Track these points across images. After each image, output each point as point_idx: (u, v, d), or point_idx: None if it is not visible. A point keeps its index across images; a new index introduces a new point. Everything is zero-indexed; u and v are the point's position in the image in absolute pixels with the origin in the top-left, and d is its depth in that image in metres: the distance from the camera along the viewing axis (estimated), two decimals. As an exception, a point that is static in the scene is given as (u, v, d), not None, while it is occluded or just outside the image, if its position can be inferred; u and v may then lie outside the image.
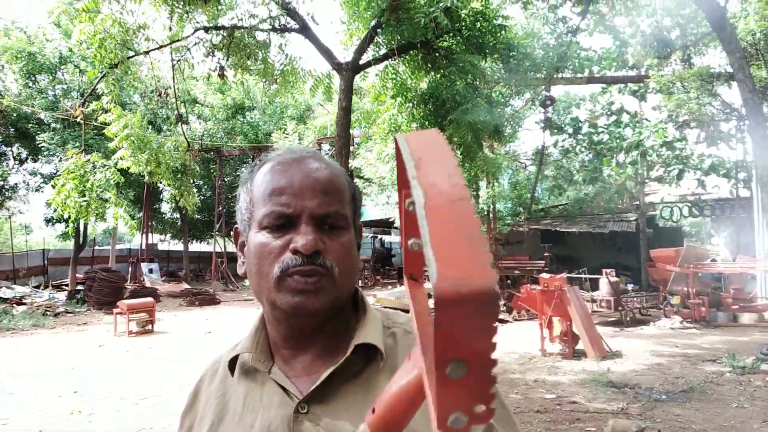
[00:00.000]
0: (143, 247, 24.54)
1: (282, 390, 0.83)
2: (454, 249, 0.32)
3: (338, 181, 0.87)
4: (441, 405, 0.35)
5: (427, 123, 8.01)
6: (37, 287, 20.20)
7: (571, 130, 19.29)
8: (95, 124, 11.66)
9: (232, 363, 0.90)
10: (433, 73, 7.78)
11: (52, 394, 7.31)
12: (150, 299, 13.53)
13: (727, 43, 7.77)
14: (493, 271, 0.32)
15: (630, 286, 16.31)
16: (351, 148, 14.10)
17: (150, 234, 25.89)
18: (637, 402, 6.50)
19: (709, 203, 18.79)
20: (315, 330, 0.86)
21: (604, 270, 13.26)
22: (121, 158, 8.23)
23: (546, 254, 17.39)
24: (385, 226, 27.50)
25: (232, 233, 0.99)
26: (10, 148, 19.63)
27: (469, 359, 0.33)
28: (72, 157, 7.64)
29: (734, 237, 18.35)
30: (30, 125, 18.72)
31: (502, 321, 13.14)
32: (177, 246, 32.97)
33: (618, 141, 17.77)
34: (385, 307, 1.00)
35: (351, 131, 10.63)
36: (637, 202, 19.45)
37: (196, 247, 33.96)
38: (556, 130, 19.22)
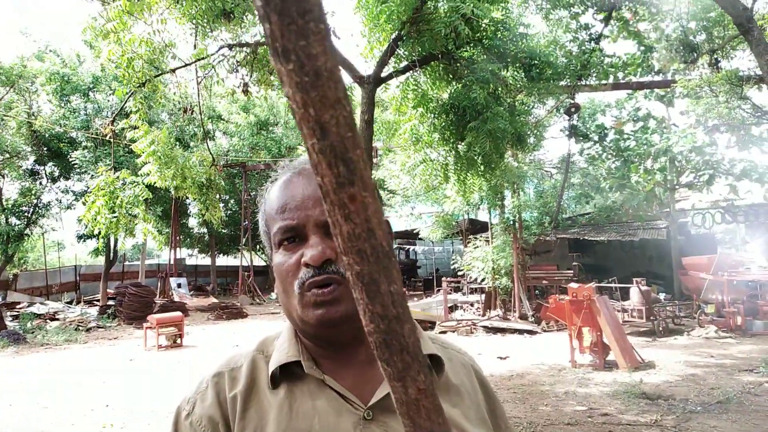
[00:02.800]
0: (171, 262, 24.91)
1: (340, 397, 0.83)
2: None
3: None
4: None
5: (448, 133, 8.01)
6: (70, 303, 20.65)
7: (596, 137, 19.07)
8: (125, 142, 11.93)
9: (274, 372, 0.87)
10: (454, 84, 7.77)
11: (85, 407, 7.43)
12: (179, 313, 13.70)
13: (755, 46, 7.59)
14: None
15: (662, 295, 15.93)
16: (375, 160, 14.15)
17: (178, 249, 26.27)
18: (671, 414, 6.33)
19: (743, 209, 18.34)
20: (355, 338, 0.85)
21: (634, 279, 12.99)
22: (147, 173, 8.40)
23: (574, 263, 17.13)
24: (409, 237, 27.43)
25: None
26: (43, 167, 20.18)
27: None
28: (102, 174, 7.83)
29: (769, 243, 17.82)
30: (62, 144, 19.23)
31: (531, 332, 12.96)
32: (204, 260, 33.41)
33: (645, 147, 17.51)
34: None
35: (373, 144, 10.68)
36: (667, 209, 19.06)
37: (223, 261, 34.37)
38: (581, 138, 19.02)
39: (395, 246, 31.74)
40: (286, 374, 0.87)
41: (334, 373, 0.86)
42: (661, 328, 12.14)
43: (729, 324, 11.75)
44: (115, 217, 7.34)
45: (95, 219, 7.29)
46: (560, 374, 8.66)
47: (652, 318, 12.16)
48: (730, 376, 8.08)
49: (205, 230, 30.11)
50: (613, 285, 14.60)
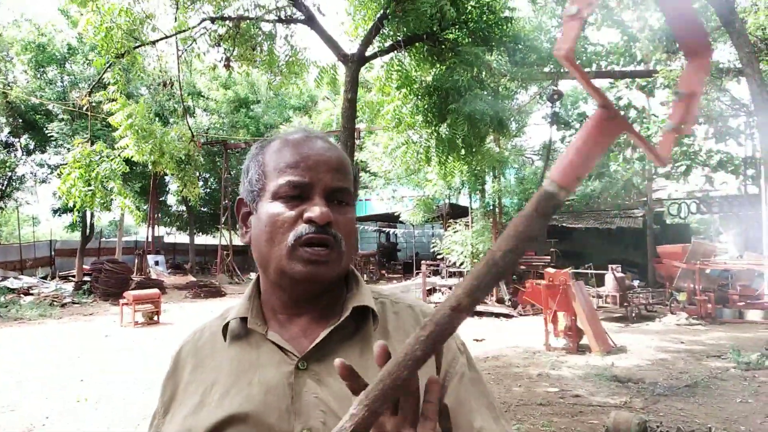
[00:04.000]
0: (149, 239, 24.63)
1: (280, 350, 0.87)
2: None
3: (346, 161, 0.94)
4: None
5: (430, 115, 8.00)
6: (45, 278, 20.33)
7: (578, 125, 19.20)
8: (102, 115, 11.70)
9: (225, 328, 0.93)
10: (438, 65, 7.75)
11: (59, 382, 7.37)
12: (156, 291, 13.60)
13: (736, 38, 7.69)
14: None
15: (636, 282, 16.24)
16: (357, 142, 14.09)
17: (156, 226, 25.96)
18: (640, 396, 6.48)
19: (717, 200, 18.69)
20: (316, 297, 0.91)
21: (610, 266, 13.21)
22: (124, 147, 8.25)
23: (552, 249, 17.34)
24: (390, 220, 27.48)
25: (236, 202, 1.01)
26: (18, 140, 19.72)
27: None
28: (78, 146, 7.67)
29: (742, 234, 18.22)
30: (38, 116, 18.79)
31: (507, 316, 13.13)
32: (183, 239, 33.10)
33: (625, 136, 17.66)
34: None
35: (357, 125, 10.62)
36: (645, 199, 19.36)
37: (202, 240, 34.09)
38: (563, 125, 19.15)
39: (375, 228, 31.80)
40: (241, 332, 0.92)
41: (280, 327, 0.91)
42: (633, 315, 12.39)
43: (700, 311, 12.03)
44: (90, 190, 7.21)
45: (70, 191, 7.15)
46: (534, 357, 8.80)
47: (625, 304, 12.40)
48: (698, 362, 8.30)
49: (184, 208, 29.79)
50: (588, 271, 14.83)
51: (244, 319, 0.92)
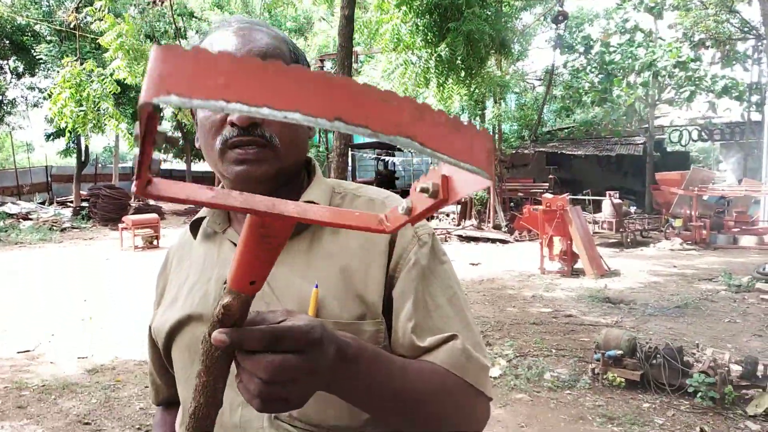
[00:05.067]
0: (146, 165, 24.46)
1: (234, 246, 0.87)
2: None
3: (278, 48, 0.87)
4: None
5: (430, 35, 7.73)
6: (42, 203, 20.37)
7: (582, 49, 18.69)
8: (90, 35, 11.31)
9: (194, 226, 0.98)
10: (439, -20, 7.41)
11: (63, 302, 7.52)
12: (154, 215, 13.66)
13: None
14: None
15: (633, 209, 16.34)
16: (355, 66, 13.73)
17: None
18: (631, 316, 6.65)
19: (719, 127, 18.49)
20: (266, 194, 0.86)
21: (607, 192, 13.23)
22: (117, 68, 8.02)
23: (550, 176, 17.32)
24: (388, 148, 27.24)
25: None
26: (6, 62, 19.20)
27: None
28: (68, 65, 7.45)
29: (742, 162, 18.18)
30: (25, 38, 18.18)
31: (503, 242, 13.28)
32: (179, 165, 32.95)
33: (630, 61, 17.26)
34: None
35: (354, 48, 10.29)
36: (646, 125, 19.12)
37: (199, 167, 33.91)
38: (567, 49, 18.63)
39: (374, 156, 31.61)
40: (209, 230, 0.96)
41: (239, 225, 0.91)
42: (629, 240, 12.54)
43: (694, 237, 12.16)
44: (82, 110, 7.06)
45: (61, 112, 7.00)
46: (529, 280, 8.97)
47: (621, 230, 12.51)
48: (690, 284, 8.47)
49: (180, 134, 29.44)
50: (586, 198, 14.87)
51: None
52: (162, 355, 0.96)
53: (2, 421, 3.94)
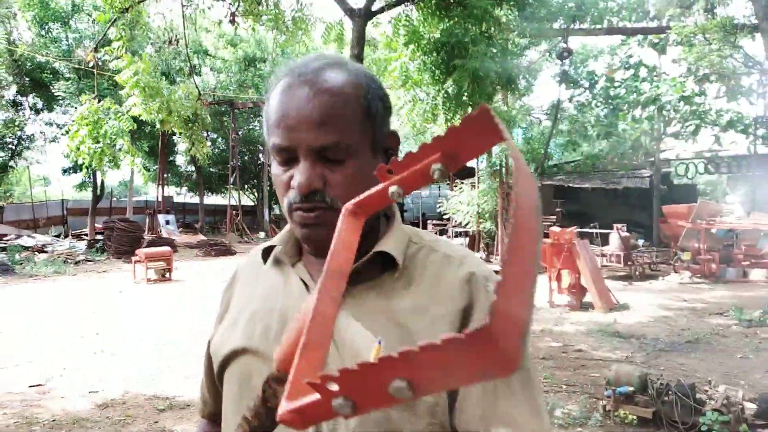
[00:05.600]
0: (159, 198, 24.80)
1: (303, 283, 0.89)
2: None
3: (339, 106, 0.80)
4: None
5: (438, 72, 7.92)
6: (58, 236, 20.62)
7: (587, 84, 18.94)
8: (108, 73, 11.65)
9: (266, 252, 0.97)
10: (446, 20, 7.63)
11: (76, 335, 7.59)
12: (167, 248, 13.80)
13: (752, -9, 7.50)
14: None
15: (641, 242, 16.29)
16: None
17: (165, 186, 26.11)
18: (641, 351, 6.62)
19: (726, 160, 18.50)
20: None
21: (615, 225, 13.24)
22: (132, 105, 8.26)
23: (558, 210, 17.36)
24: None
25: None
26: (25, 98, 19.73)
27: None
28: (86, 103, 7.69)
29: (750, 195, 18.12)
30: (45, 75, 18.73)
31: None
32: (192, 199, 33.28)
33: (635, 95, 17.44)
34: None
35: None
36: (652, 159, 19.21)
37: (211, 200, 34.26)
38: (572, 84, 18.88)
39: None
40: (280, 258, 0.95)
41: (312, 262, 0.91)
42: (637, 273, 12.49)
43: (703, 270, 12.10)
44: (99, 147, 7.26)
45: (78, 149, 7.21)
46: (538, 313, 8.94)
47: (629, 263, 12.48)
48: (700, 319, 8.41)
49: (193, 168, 29.87)
50: (594, 231, 14.87)
51: None
52: (215, 373, 0.97)
53: (15, 455, 3.98)
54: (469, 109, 8.26)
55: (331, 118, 0.79)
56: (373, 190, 0.54)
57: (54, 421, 4.63)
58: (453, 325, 0.81)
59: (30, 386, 5.50)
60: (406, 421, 0.77)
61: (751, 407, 4.21)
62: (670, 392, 4.34)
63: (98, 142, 7.35)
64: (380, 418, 0.78)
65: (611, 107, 18.13)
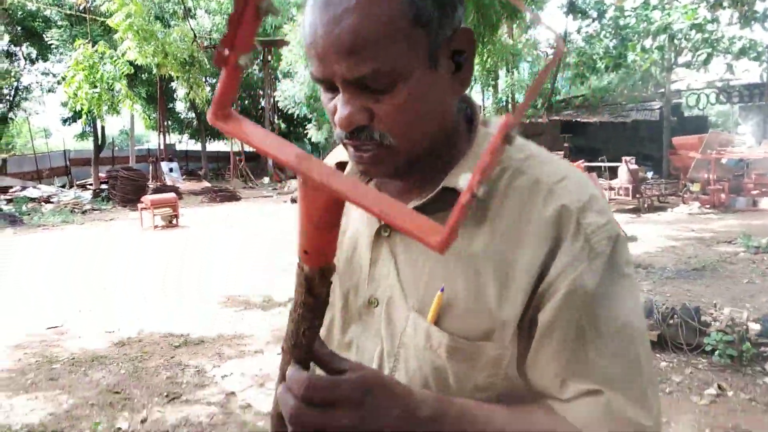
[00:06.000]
0: (161, 146, 24.68)
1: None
2: None
3: (373, 25, 0.62)
4: None
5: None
6: (62, 187, 20.69)
7: (595, 14, 18.33)
8: (101, 18, 11.34)
9: (340, 165, 0.87)
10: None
11: (89, 279, 7.69)
12: (172, 195, 13.80)
13: None
14: None
15: (650, 174, 16.17)
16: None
17: (167, 134, 25.92)
18: (648, 279, 6.65)
19: (738, 89, 18.11)
20: (397, 177, 0.78)
21: (623, 158, 13.10)
22: (127, 49, 8.07)
23: (565, 145, 17.16)
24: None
25: None
26: (19, 48, 19.35)
27: None
28: (80, 47, 7.51)
29: (762, 124, 17.83)
30: (36, 23, 18.28)
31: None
32: (195, 146, 33.13)
33: (645, 24, 16.90)
34: None
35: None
36: (662, 90, 18.79)
37: (214, 146, 34.10)
38: (579, 15, 18.28)
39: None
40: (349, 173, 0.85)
41: (378, 186, 0.82)
42: (646, 205, 12.44)
43: (713, 200, 12.03)
44: (96, 92, 7.15)
45: (76, 95, 7.10)
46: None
47: (638, 195, 12.41)
48: (708, 247, 8.42)
49: (194, 114, 29.57)
50: (602, 164, 14.74)
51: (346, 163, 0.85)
52: None
53: (36, 392, 4.09)
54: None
55: (364, 43, 0.62)
56: (221, 83, 0.50)
57: (73, 358, 4.74)
58: (530, 277, 0.69)
59: (48, 328, 5.61)
60: (463, 375, 0.72)
61: (755, 327, 4.25)
62: (675, 315, 4.38)
63: (95, 86, 7.24)
64: (438, 368, 0.73)
65: (620, 38, 17.60)
